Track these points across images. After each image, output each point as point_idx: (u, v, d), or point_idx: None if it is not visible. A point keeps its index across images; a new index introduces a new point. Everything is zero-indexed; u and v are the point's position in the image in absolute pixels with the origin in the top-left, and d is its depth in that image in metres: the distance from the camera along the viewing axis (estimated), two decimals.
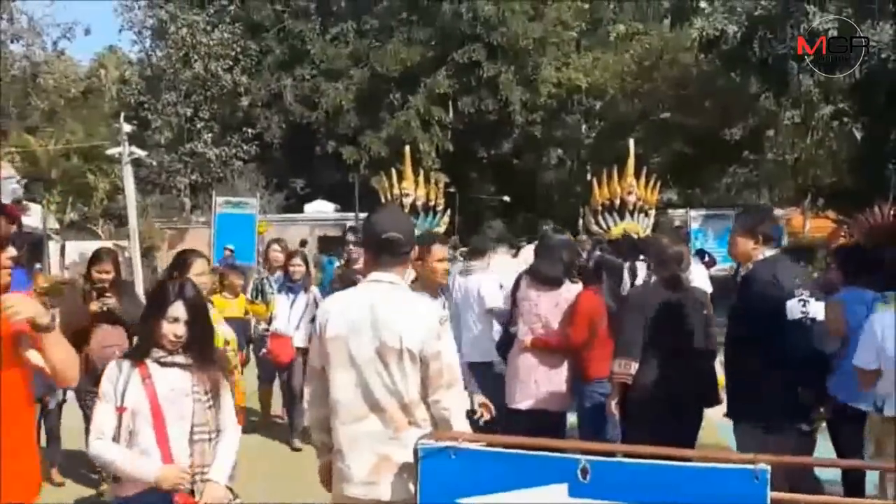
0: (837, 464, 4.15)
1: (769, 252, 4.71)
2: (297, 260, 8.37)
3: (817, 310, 4.56)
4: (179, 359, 3.44)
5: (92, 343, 5.96)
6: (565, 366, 5.90)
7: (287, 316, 8.15)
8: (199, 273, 4.86)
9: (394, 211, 3.84)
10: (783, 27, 15.97)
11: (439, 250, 4.84)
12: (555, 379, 5.89)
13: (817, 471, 4.99)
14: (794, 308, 4.50)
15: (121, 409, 3.35)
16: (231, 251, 21.61)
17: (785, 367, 4.46)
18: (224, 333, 5.07)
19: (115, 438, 3.35)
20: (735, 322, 4.84)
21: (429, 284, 4.80)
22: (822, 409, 4.64)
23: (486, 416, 4.60)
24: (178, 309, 3.43)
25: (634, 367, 5.07)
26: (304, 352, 7.48)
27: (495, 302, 6.77)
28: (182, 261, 5.00)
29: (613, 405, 5.27)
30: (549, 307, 5.90)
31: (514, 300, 6.14)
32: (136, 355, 3.48)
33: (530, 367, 5.89)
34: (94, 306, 6.06)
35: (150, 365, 3.42)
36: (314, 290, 8.49)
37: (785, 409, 4.47)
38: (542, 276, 5.92)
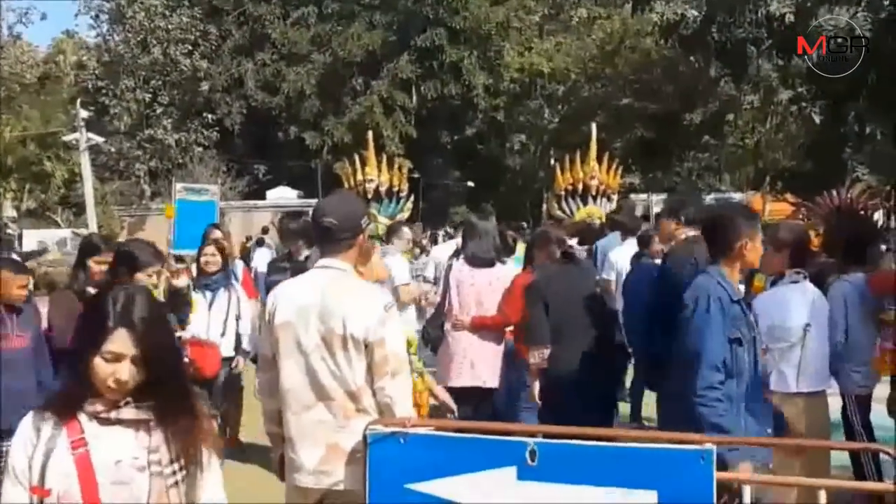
0: (791, 443, 4.19)
1: (692, 233, 4.92)
2: (211, 249, 6.76)
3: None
4: (129, 412, 2.22)
5: None
6: (500, 345, 6.17)
7: (206, 320, 6.55)
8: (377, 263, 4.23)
9: (338, 197, 3.70)
10: (742, 11, 16.08)
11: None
12: (490, 357, 6.12)
13: None
14: None
15: (40, 492, 2.17)
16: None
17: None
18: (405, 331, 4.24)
19: None
20: (655, 297, 5.07)
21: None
22: None
23: None
24: (119, 341, 2.18)
25: (547, 351, 5.33)
26: (231, 362, 6.70)
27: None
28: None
29: (536, 393, 5.49)
30: (484, 285, 6.14)
31: (447, 283, 6.34)
32: (62, 408, 2.23)
33: (466, 346, 6.09)
34: None
35: (85, 424, 2.20)
36: (236, 287, 7.05)
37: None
38: (477, 259, 6.19)
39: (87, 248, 5.30)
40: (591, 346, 5.25)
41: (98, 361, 2.17)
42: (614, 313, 5.74)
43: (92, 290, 4.89)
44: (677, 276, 4.77)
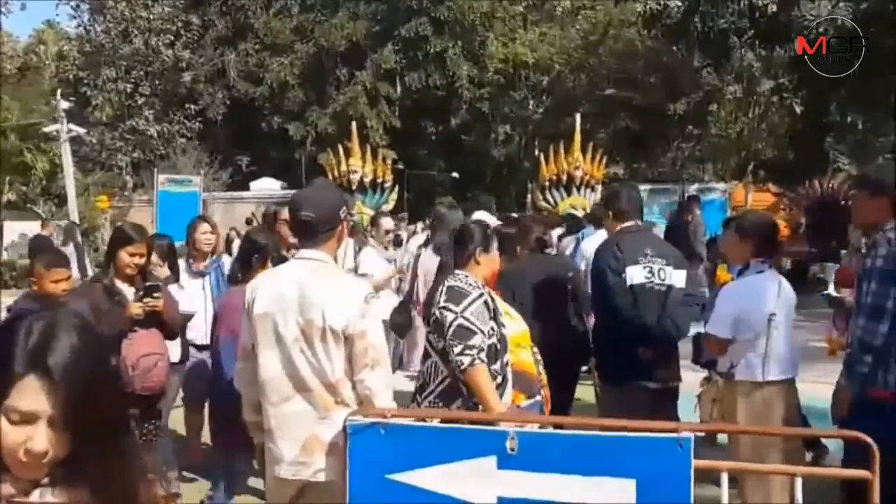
0: (765, 431, 4.23)
1: (623, 225, 5.11)
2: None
3: (676, 278, 4.90)
4: (51, 495, 1.51)
5: (124, 352, 4.45)
6: None
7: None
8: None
9: (314, 189, 3.61)
10: (724, 2, 16.13)
11: None
12: None
13: None
14: (635, 273, 4.83)
15: None
16: None
17: (626, 329, 4.82)
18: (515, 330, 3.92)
19: None
20: (592, 289, 5.26)
21: None
22: (679, 369, 4.99)
23: None
24: (29, 394, 1.44)
25: None
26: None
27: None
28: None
29: None
30: None
31: (415, 272, 6.48)
32: None
33: None
34: (136, 309, 4.54)
35: None
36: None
37: (627, 367, 4.80)
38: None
39: (120, 237, 4.72)
40: (554, 336, 5.29)
41: (3, 425, 1.44)
42: (579, 306, 5.80)
43: (120, 284, 4.59)
44: (600, 267, 4.97)
